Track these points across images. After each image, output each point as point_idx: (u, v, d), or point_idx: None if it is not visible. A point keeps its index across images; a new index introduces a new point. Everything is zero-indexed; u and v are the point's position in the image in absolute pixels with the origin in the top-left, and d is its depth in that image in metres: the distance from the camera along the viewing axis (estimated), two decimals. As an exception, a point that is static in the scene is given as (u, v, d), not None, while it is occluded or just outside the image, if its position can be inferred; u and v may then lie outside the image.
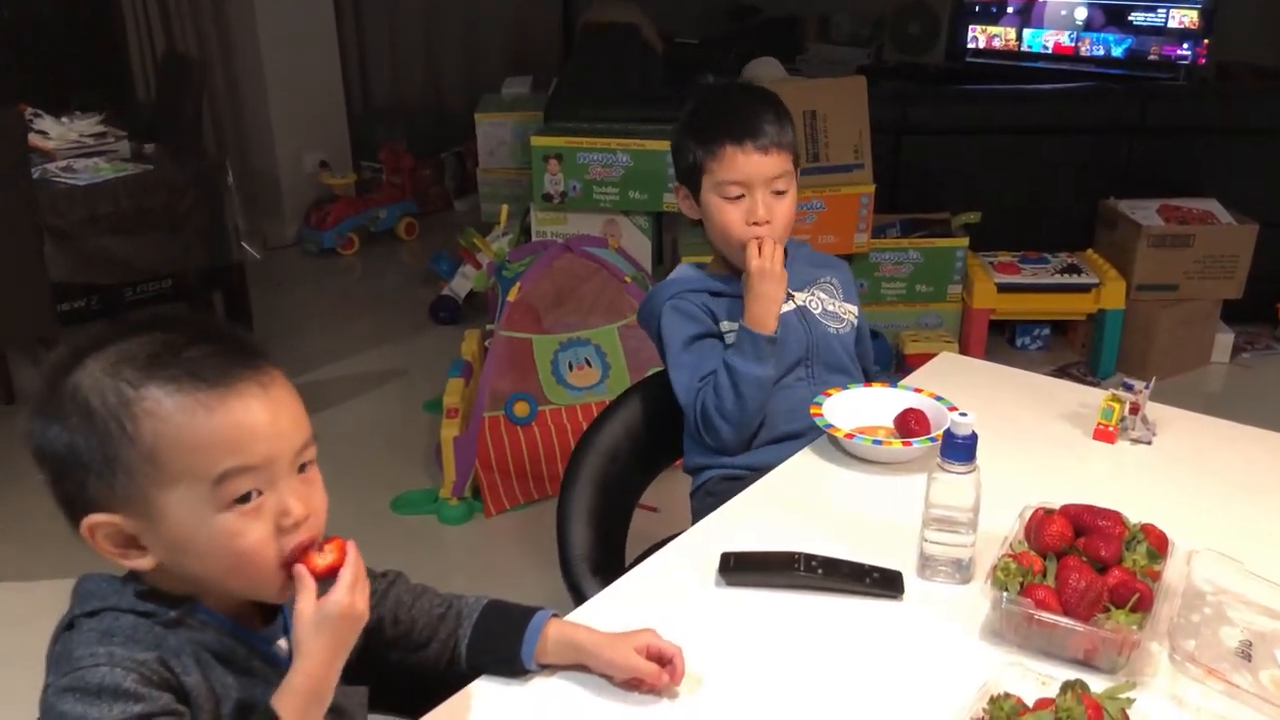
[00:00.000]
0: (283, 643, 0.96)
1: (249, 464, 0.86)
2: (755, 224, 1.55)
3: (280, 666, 0.91)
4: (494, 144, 4.03)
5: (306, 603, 0.88)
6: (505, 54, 5.32)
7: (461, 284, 3.69)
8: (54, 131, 3.09)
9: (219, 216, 3.02)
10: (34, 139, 2.92)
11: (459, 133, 4.62)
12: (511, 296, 2.74)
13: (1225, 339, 3.39)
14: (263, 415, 0.87)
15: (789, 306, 1.61)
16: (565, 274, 2.78)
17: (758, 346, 1.53)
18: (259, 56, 4.23)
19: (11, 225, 2.59)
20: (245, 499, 0.86)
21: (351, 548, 0.91)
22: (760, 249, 1.53)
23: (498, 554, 2.54)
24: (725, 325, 1.63)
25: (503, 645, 1.07)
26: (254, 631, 0.94)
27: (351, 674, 1.03)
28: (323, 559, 0.90)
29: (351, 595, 0.89)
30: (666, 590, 1.21)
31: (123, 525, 0.86)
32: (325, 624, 0.88)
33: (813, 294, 1.67)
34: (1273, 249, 3.25)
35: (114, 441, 0.84)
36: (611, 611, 1.15)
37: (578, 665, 1.07)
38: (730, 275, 1.64)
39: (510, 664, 1.06)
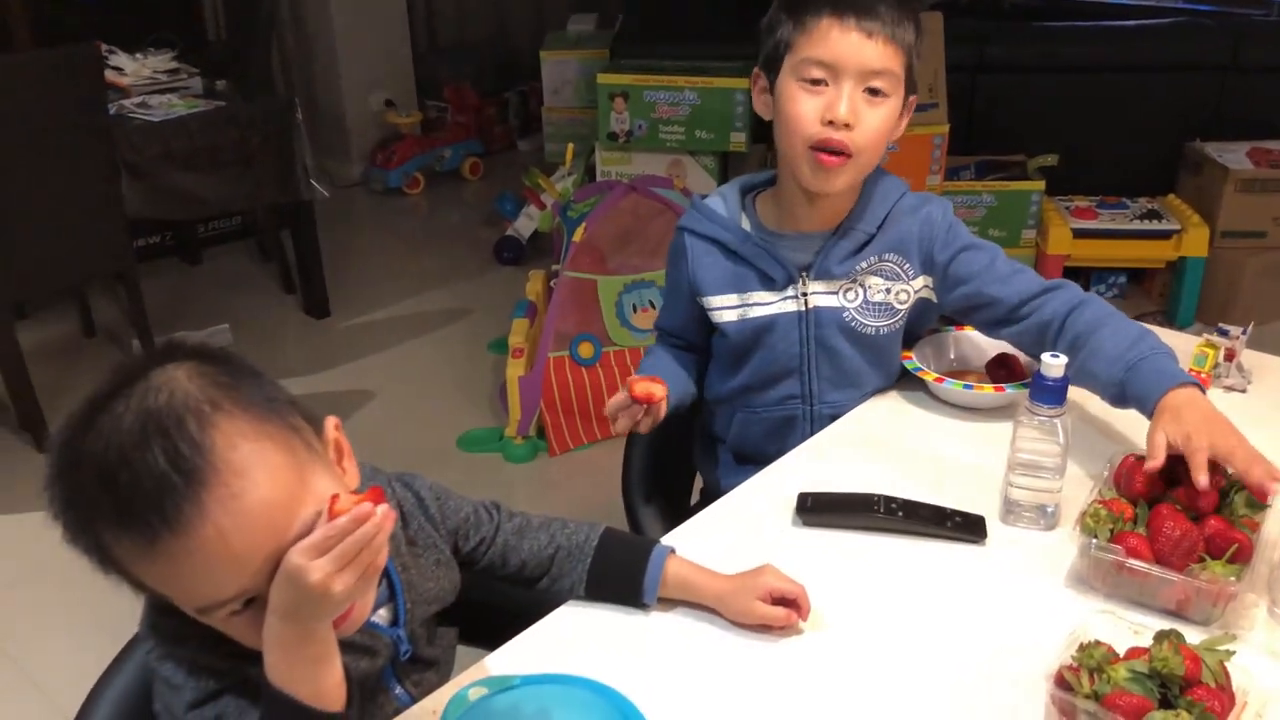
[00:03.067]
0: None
1: (217, 600, 0.78)
2: (831, 123, 1.24)
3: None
4: (559, 82, 3.98)
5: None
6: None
7: (526, 224, 3.68)
8: (129, 68, 3.12)
9: (288, 154, 3.03)
10: (110, 75, 2.94)
11: (524, 71, 4.57)
12: (577, 237, 2.72)
13: (1314, 289, 3.27)
14: (211, 556, 0.75)
15: (792, 307, 1.35)
16: (630, 214, 2.75)
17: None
18: (325, -4, 4.23)
19: (89, 161, 2.63)
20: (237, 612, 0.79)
21: (350, 519, 0.76)
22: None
23: (562, 492, 2.56)
24: (717, 300, 1.37)
25: (623, 581, 1.06)
26: None
27: (447, 614, 1.04)
28: (343, 502, 0.78)
29: (303, 559, 0.75)
30: (742, 530, 1.20)
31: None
32: (276, 578, 0.76)
33: (854, 287, 1.35)
34: (1369, 195, 3.10)
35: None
36: (686, 550, 1.13)
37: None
38: (772, 229, 1.36)
39: (630, 599, 1.06)
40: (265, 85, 3.50)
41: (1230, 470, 1.08)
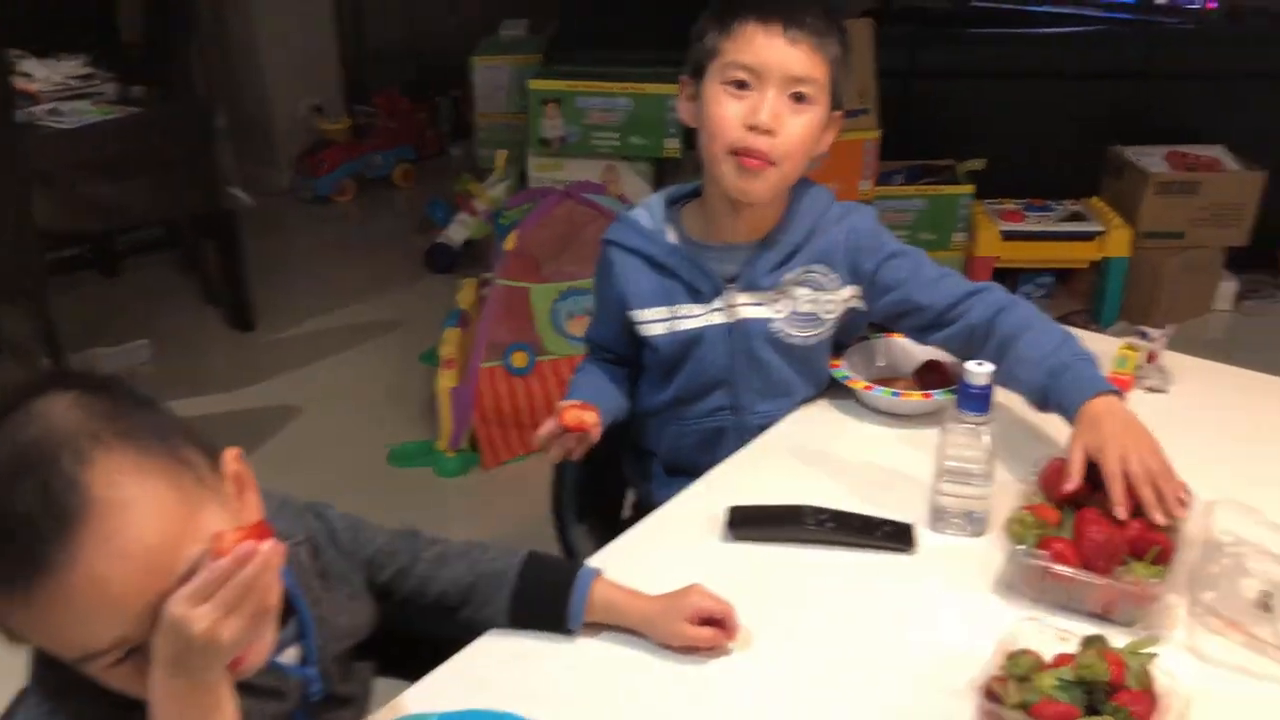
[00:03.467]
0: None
1: (91, 650, 0.73)
2: (754, 129, 1.23)
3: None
4: (491, 88, 3.94)
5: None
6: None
7: (458, 231, 3.63)
8: (38, 73, 3.00)
9: (210, 161, 2.96)
10: (18, 81, 2.83)
11: (456, 76, 4.51)
12: (509, 245, 2.69)
13: (1229, 286, 3.36)
14: (77, 609, 0.71)
15: (720, 319, 1.34)
16: (564, 221, 2.73)
17: None
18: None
19: (-4, 171, 2.53)
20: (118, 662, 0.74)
21: (229, 561, 0.71)
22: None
23: (496, 506, 2.52)
24: (645, 313, 1.35)
25: (547, 608, 1.03)
26: None
27: (363, 647, 1.01)
28: (227, 539, 0.73)
29: (184, 607, 0.70)
30: (672, 546, 1.18)
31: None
32: (158, 626, 0.72)
33: (781, 298, 1.34)
34: (1276, 195, 3.20)
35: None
36: (616, 569, 1.11)
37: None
38: (698, 240, 1.35)
39: (555, 626, 1.03)
40: (185, 90, 3.39)
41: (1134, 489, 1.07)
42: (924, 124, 3.42)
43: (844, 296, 1.37)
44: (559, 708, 0.94)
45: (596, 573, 1.05)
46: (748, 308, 1.35)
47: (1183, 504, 1.07)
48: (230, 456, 0.84)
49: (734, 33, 1.24)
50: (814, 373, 1.41)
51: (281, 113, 4.31)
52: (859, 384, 1.39)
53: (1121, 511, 1.05)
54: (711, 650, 1.01)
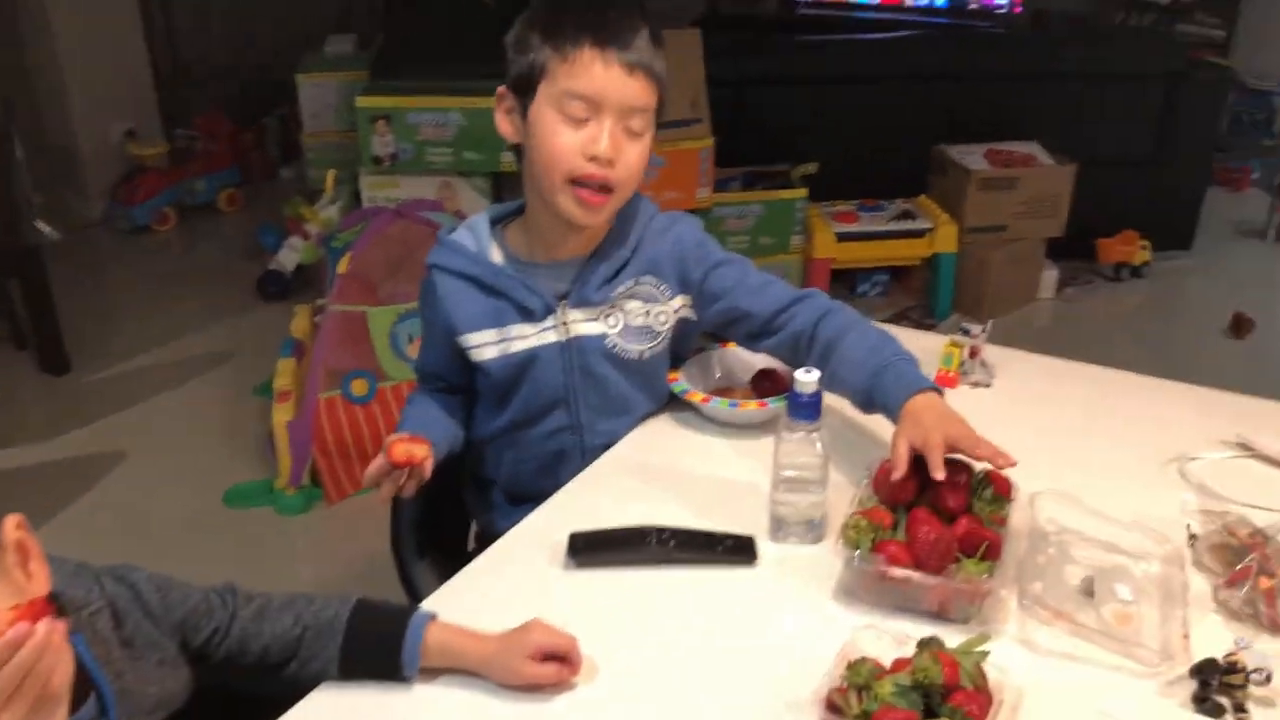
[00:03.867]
0: None
1: None
2: (594, 159, 1.22)
3: None
4: (318, 106, 3.79)
5: None
6: (326, 10, 5.03)
7: (289, 256, 3.48)
8: None
9: (7, 193, 2.74)
10: None
11: (281, 95, 4.34)
12: (342, 268, 2.59)
13: (1051, 276, 3.54)
14: None
15: (553, 337, 1.31)
16: (399, 241, 2.64)
17: None
18: (46, 17, 3.85)
19: None
20: None
21: (34, 626, 0.69)
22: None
23: (342, 543, 2.42)
24: (475, 337, 1.31)
25: (380, 656, 0.98)
26: None
27: (180, 714, 0.94)
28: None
29: None
30: (514, 577, 1.14)
31: None
32: None
33: (613, 313, 1.33)
34: (1089, 188, 3.40)
35: None
36: (457, 605, 1.07)
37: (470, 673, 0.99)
38: (525, 259, 1.32)
39: (389, 674, 0.98)
40: (-23, 119, 3.14)
41: (963, 457, 1.13)
42: (756, 130, 3.49)
43: (674, 307, 1.36)
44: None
45: (430, 616, 1.00)
46: (581, 324, 1.32)
47: (1004, 455, 1.12)
48: (9, 525, 0.77)
49: (568, 56, 1.20)
50: (653, 387, 1.40)
51: (89, 139, 4.04)
52: (696, 396, 1.38)
53: (939, 474, 1.08)
54: (555, 686, 0.97)
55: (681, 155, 3.11)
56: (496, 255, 1.33)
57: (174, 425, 2.86)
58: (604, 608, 1.09)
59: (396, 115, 3.01)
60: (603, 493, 1.27)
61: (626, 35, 1.20)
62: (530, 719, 0.95)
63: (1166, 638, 1.01)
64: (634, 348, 1.34)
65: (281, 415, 2.51)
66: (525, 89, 1.23)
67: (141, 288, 3.71)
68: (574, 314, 1.32)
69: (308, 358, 2.69)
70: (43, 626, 0.68)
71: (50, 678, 0.71)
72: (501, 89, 1.27)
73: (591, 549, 1.14)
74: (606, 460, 1.34)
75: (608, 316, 1.33)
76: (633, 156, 1.24)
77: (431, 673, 0.99)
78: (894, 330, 1.33)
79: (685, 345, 1.44)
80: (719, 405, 1.37)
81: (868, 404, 1.26)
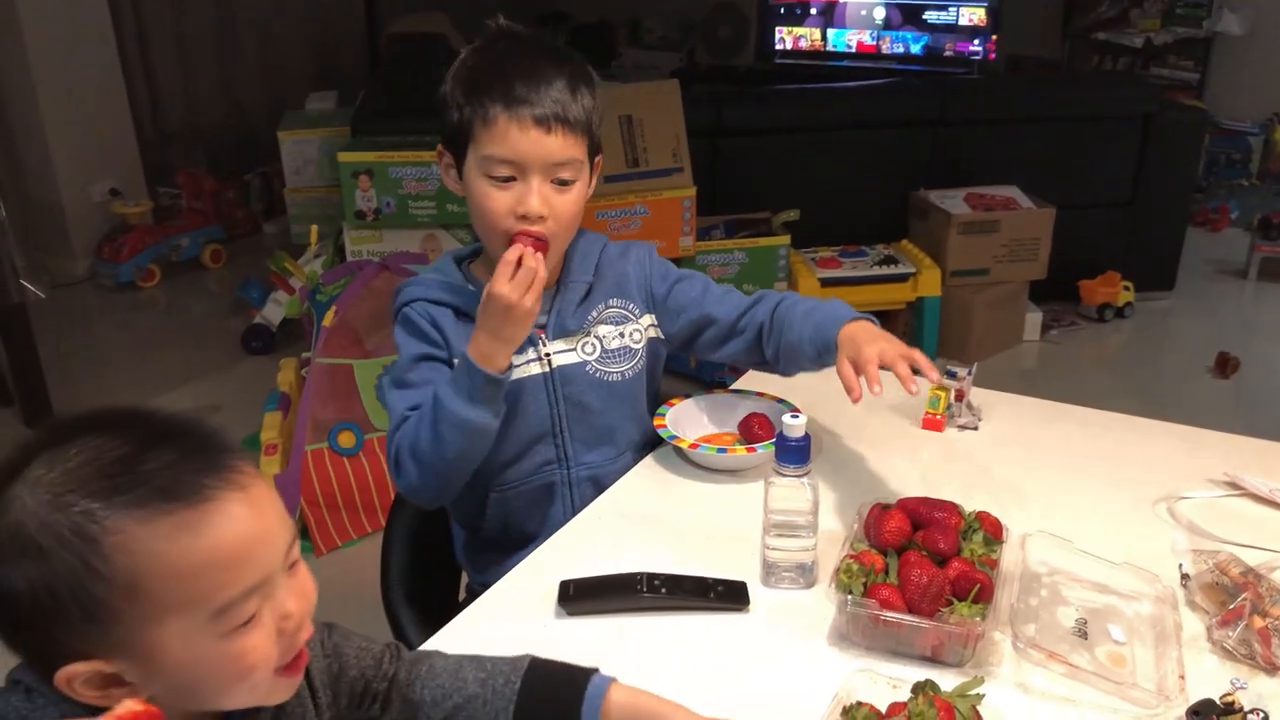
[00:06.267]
0: None
1: (249, 585, 0.72)
2: (524, 216, 1.23)
3: None
4: (300, 162, 3.83)
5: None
6: (307, 69, 5.09)
7: (274, 311, 3.48)
8: None
9: (-10, 253, 2.74)
10: None
11: (264, 152, 4.37)
12: (328, 321, 2.59)
13: (1035, 318, 3.57)
14: (251, 525, 0.73)
15: (537, 369, 1.32)
16: (384, 294, 2.64)
17: (475, 385, 1.20)
18: (29, 77, 3.88)
19: None
20: (248, 620, 0.74)
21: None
22: (518, 268, 1.18)
23: (333, 595, 2.34)
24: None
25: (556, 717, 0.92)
26: None
27: None
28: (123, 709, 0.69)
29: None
30: (505, 625, 1.13)
31: (105, 669, 0.71)
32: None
33: (589, 338, 1.35)
34: (1070, 230, 3.44)
35: (85, 585, 0.68)
36: (450, 649, 1.05)
37: None
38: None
39: None
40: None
41: (890, 370, 1.20)
42: (736, 179, 3.53)
43: (645, 325, 1.40)
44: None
45: (612, 679, 0.94)
46: (562, 355, 1.34)
47: (933, 372, 1.20)
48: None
49: (487, 121, 1.21)
50: (636, 414, 1.41)
51: (73, 198, 4.06)
52: (684, 443, 1.38)
53: (875, 388, 1.18)
54: None
55: (664, 205, 3.13)
56: (470, 288, 1.33)
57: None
58: (596, 655, 1.06)
59: (379, 170, 3.03)
60: (593, 540, 1.26)
61: (537, 93, 1.20)
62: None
63: (1162, 678, 1.00)
64: (614, 369, 1.37)
65: (268, 468, 2.50)
66: (457, 147, 1.26)
67: (127, 343, 3.70)
68: (555, 344, 1.34)
69: (294, 411, 2.68)
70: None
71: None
72: (439, 146, 1.29)
73: (582, 596, 1.13)
74: (596, 507, 1.33)
75: (584, 344, 1.36)
76: (566, 206, 1.25)
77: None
78: (881, 378, 1.33)
79: (656, 366, 1.45)
80: (707, 451, 1.37)
81: (815, 354, 1.32)
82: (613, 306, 1.38)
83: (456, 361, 1.26)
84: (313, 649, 0.89)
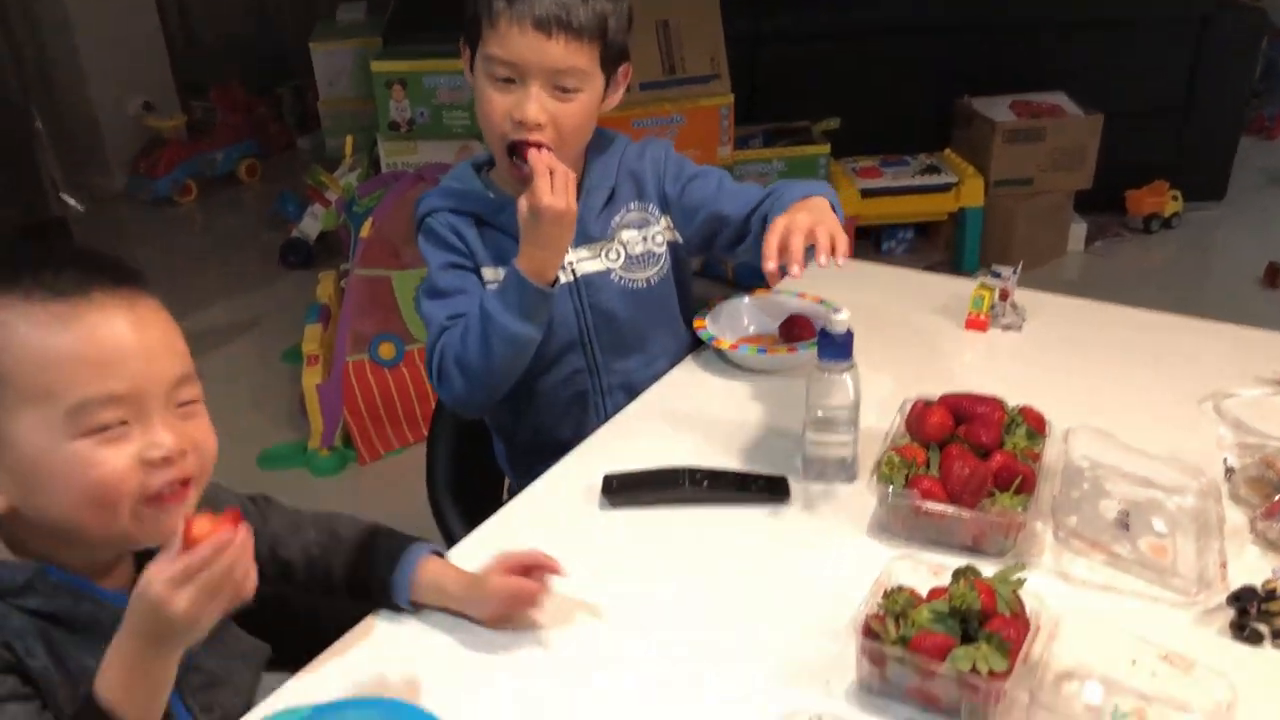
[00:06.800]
0: None
1: (113, 392, 0.77)
2: (521, 123, 1.20)
3: None
4: (333, 74, 3.79)
5: (154, 565, 0.76)
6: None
7: (311, 225, 3.49)
8: None
9: (30, 168, 2.76)
10: None
11: (296, 65, 4.33)
12: (365, 233, 2.59)
13: (1079, 229, 3.50)
14: (127, 333, 0.78)
15: (562, 278, 1.28)
16: (421, 205, 2.64)
17: (526, 299, 1.20)
18: (59, -8, 3.86)
19: None
20: (107, 428, 0.77)
21: (209, 544, 0.75)
22: (552, 180, 1.15)
23: (376, 502, 2.43)
24: (487, 273, 1.29)
25: (376, 580, 1.00)
26: (113, 590, 0.84)
27: (251, 628, 0.97)
28: (201, 526, 0.76)
29: (167, 590, 0.74)
30: (547, 519, 1.15)
31: None
32: (134, 602, 0.76)
33: (613, 245, 1.33)
34: (1117, 138, 3.34)
35: None
36: (492, 546, 1.08)
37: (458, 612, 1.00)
38: (509, 193, 1.27)
39: (385, 600, 1.00)
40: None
41: (810, 242, 1.12)
42: (776, 86, 3.45)
43: (664, 226, 1.37)
44: (440, 696, 0.89)
45: (433, 551, 1.02)
46: (586, 263, 1.32)
47: (835, 250, 1.11)
48: None
49: (493, 21, 1.18)
50: (666, 320, 1.39)
51: (108, 112, 4.05)
52: (724, 343, 1.38)
53: (770, 264, 1.10)
54: (534, 601, 0.98)
55: (701, 113, 3.08)
56: (491, 196, 1.31)
57: (205, 390, 2.87)
58: (639, 546, 1.09)
59: (412, 80, 3.00)
60: (634, 437, 1.28)
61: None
62: (574, 656, 0.96)
63: (1203, 568, 1.00)
64: (639, 276, 1.34)
65: (311, 379, 2.53)
66: (470, 43, 1.24)
67: (165, 259, 3.73)
68: (579, 253, 1.31)
69: (334, 323, 2.70)
70: (242, 531, 0.76)
71: (245, 582, 0.77)
72: (461, 39, 1.27)
73: (626, 490, 1.15)
74: (637, 406, 1.34)
75: (609, 251, 1.33)
76: (568, 116, 1.21)
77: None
78: (924, 279, 1.32)
79: (683, 271, 1.42)
80: (748, 352, 1.37)
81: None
82: (634, 210, 1.34)
83: (495, 275, 1.25)
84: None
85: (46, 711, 0.78)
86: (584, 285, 1.32)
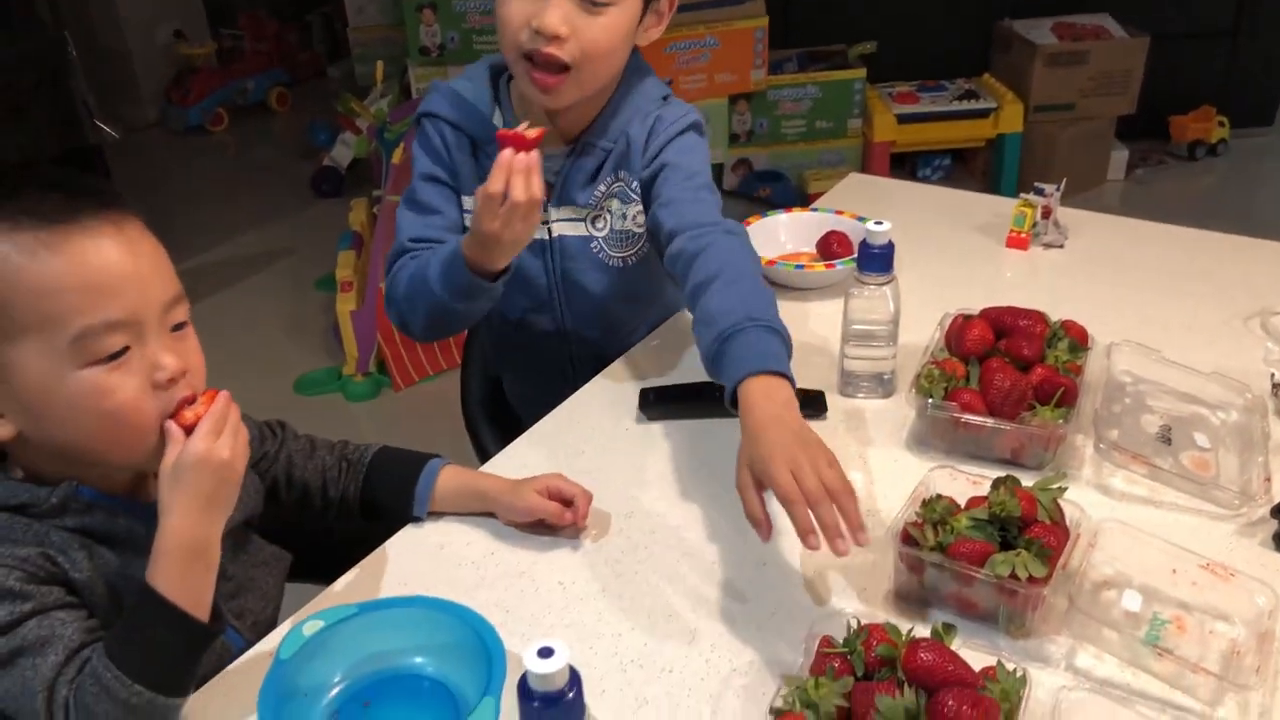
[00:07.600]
0: None
1: (112, 319, 0.77)
2: (539, 32, 1.08)
3: None
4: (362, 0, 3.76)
5: (168, 456, 0.79)
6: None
7: (343, 152, 3.49)
8: None
9: (65, 96, 2.76)
10: None
11: (325, -8, 4.30)
12: (396, 159, 2.59)
13: (1120, 156, 3.42)
14: (117, 256, 0.78)
15: (538, 234, 1.19)
16: (452, 130, 2.62)
17: (467, 285, 1.08)
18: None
19: None
20: (113, 356, 0.78)
21: (222, 397, 0.82)
22: (513, 164, 0.98)
23: (410, 427, 2.47)
24: (468, 201, 1.19)
25: (394, 493, 1.03)
26: (148, 504, 0.86)
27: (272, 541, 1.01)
28: (193, 411, 0.81)
29: (209, 441, 0.79)
30: (585, 432, 1.15)
31: None
32: (181, 474, 0.79)
33: (601, 213, 1.22)
34: (1163, 62, 3.25)
35: None
36: (530, 459, 1.09)
37: (483, 513, 1.02)
38: (520, 115, 1.18)
39: (402, 512, 1.02)
40: (29, 23, 3.17)
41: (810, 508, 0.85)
42: (811, 8, 3.38)
43: (641, 208, 1.23)
44: (473, 597, 0.91)
45: (446, 462, 1.04)
46: (566, 224, 1.22)
47: (864, 530, 0.84)
48: None
49: None
50: (639, 300, 1.28)
51: (139, 41, 4.05)
52: (761, 260, 1.36)
53: (812, 541, 0.83)
54: (558, 527, 0.99)
55: (734, 35, 3.03)
56: (496, 118, 1.20)
57: (238, 319, 2.92)
58: (675, 458, 1.10)
59: (442, 3, 2.97)
60: (670, 353, 1.27)
61: None
62: (610, 560, 0.97)
63: (1246, 481, 0.99)
64: (617, 254, 1.24)
65: (345, 306, 2.55)
66: None
67: (198, 187, 3.76)
68: (560, 211, 1.21)
69: (367, 249, 2.71)
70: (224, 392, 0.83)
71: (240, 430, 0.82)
72: None
73: (662, 402, 1.15)
74: (672, 324, 1.33)
75: (595, 220, 1.22)
76: (594, 32, 1.09)
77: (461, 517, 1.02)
78: (965, 198, 1.29)
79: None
80: (785, 268, 1.36)
81: (711, 370, 1.03)
82: (620, 180, 1.21)
83: (456, 242, 1.09)
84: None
85: (93, 619, 0.80)
86: (559, 246, 1.22)
